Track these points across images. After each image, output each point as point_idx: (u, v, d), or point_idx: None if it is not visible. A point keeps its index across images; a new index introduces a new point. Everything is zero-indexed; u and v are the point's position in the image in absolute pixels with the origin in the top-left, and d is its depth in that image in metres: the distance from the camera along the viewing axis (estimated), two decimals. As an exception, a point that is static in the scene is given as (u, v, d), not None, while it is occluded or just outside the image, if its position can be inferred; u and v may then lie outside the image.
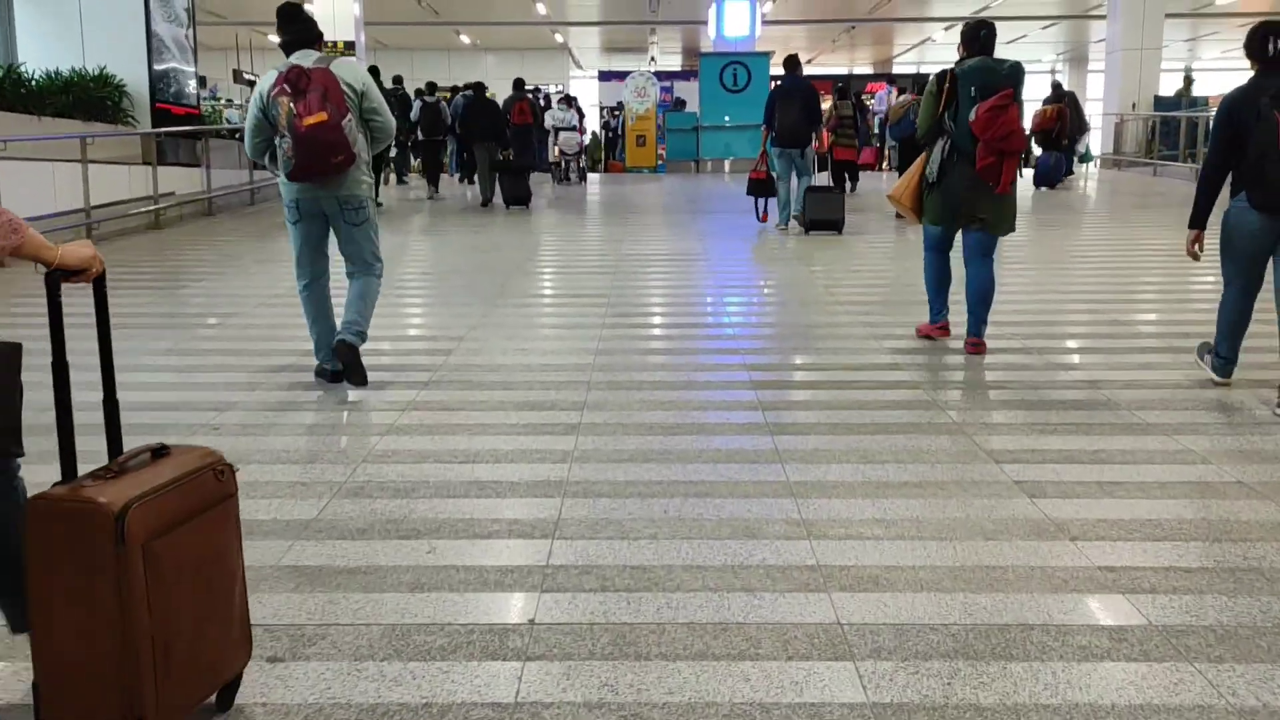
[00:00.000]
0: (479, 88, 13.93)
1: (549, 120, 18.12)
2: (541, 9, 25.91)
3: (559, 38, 32.05)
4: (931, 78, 5.15)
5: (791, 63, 10.43)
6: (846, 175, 14.29)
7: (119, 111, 11.65)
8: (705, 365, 5.09)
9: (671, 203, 14.56)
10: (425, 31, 29.97)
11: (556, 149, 17.86)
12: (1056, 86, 17.33)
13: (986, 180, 4.88)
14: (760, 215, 10.69)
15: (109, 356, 2.17)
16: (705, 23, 21.70)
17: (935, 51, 32.52)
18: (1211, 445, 3.75)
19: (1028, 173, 14.81)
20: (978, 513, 3.14)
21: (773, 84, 15.10)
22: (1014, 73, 4.91)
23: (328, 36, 18.13)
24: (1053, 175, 15.14)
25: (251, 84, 27.99)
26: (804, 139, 10.06)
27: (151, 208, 10.92)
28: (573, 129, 17.72)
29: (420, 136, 15.03)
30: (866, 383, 4.70)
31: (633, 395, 4.50)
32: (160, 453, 2.00)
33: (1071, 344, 5.58)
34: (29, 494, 1.94)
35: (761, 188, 10.58)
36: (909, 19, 28.54)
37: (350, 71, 4.43)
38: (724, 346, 5.51)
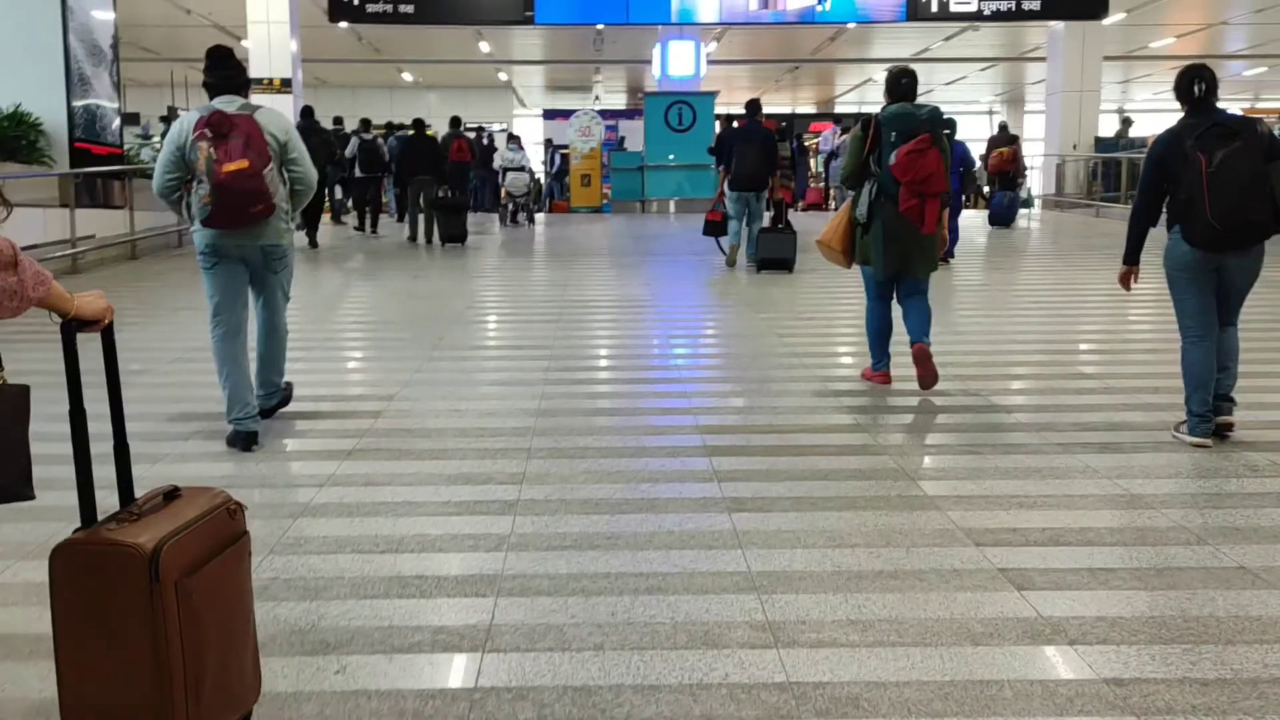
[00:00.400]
0: (418, 124, 13.76)
1: (498, 160, 17.52)
2: (485, 47, 25.65)
3: (503, 76, 31.82)
4: (857, 124, 5.35)
5: (753, 107, 10.52)
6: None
7: (34, 151, 11.05)
8: (655, 427, 4.73)
9: (618, 244, 14.26)
10: (367, 69, 29.55)
11: (504, 190, 17.15)
12: (1004, 127, 17.55)
13: (911, 220, 5.02)
14: (729, 260, 10.67)
15: (119, 403, 2.17)
16: (649, 62, 21.58)
17: (876, 92, 32.72)
18: (1205, 522, 3.46)
19: (969, 214, 14.91)
20: (963, 610, 2.80)
21: (718, 124, 15.09)
22: (932, 117, 5.10)
23: (265, 73, 17.68)
24: (1007, 214, 15.31)
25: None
26: (761, 183, 10.17)
27: (69, 251, 10.34)
28: (522, 169, 17.00)
29: (358, 173, 14.73)
30: (828, 448, 4.37)
31: (576, 465, 4.12)
32: (172, 495, 2.05)
33: (1039, 399, 5.31)
34: (49, 541, 1.96)
35: (717, 228, 10.76)
36: (850, 60, 28.80)
37: (274, 121, 4.38)
38: (674, 405, 5.15)
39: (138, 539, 1.86)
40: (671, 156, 18.86)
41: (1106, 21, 18.59)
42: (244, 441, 4.34)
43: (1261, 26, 23.77)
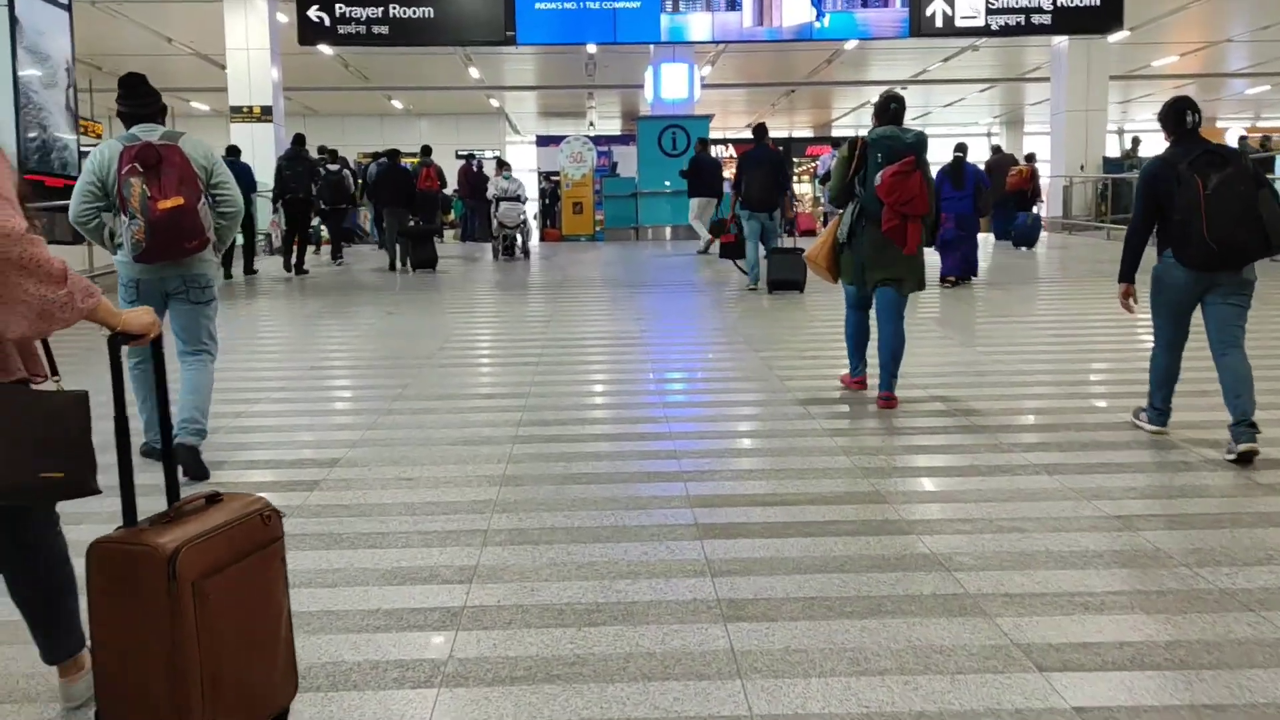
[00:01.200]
0: (392, 154, 13.96)
1: (492, 189, 16.38)
2: (475, 73, 25.15)
3: (495, 102, 31.33)
4: (844, 145, 5.50)
5: (760, 131, 10.89)
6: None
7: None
8: (639, 500, 4.02)
9: (609, 274, 13.61)
10: (356, 97, 29.06)
11: (496, 221, 15.55)
12: (996, 149, 17.10)
13: (893, 240, 5.13)
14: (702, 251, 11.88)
15: (166, 411, 2.39)
16: (642, 86, 21.03)
17: (874, 114, 32.28)
18: (1326, 633, 2.76)
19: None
20: (1038, 783, 2.09)
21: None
22: (917, 141, 5.19)
23: (245, 101, 17.17)
24: (1031, 234, 14.93)
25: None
26: (772, 203, 10.40)
27: (19, 290, 9.66)
28: (517, 199, 15.40)
29: (323, 206, 14.44)
30: (844, 524, 3.66)
31: (541, 554, 3.42)
32: (214, 499, 2.19)
33: (1086, 456, 4.54)
34: (94, 538, 2.08)
35: (733, 250, 11.28)
36: (848, 82, 28.30)
37: (199, 149, 4.29)
38: (663, 469, 4.45)
39: (161, 540, 1.99)
40: (667, 183, 18.24)
41: (1110, 39, 18.07)
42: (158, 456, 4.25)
43: (1264, 44, 23.29)
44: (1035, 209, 16.25)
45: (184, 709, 1.99)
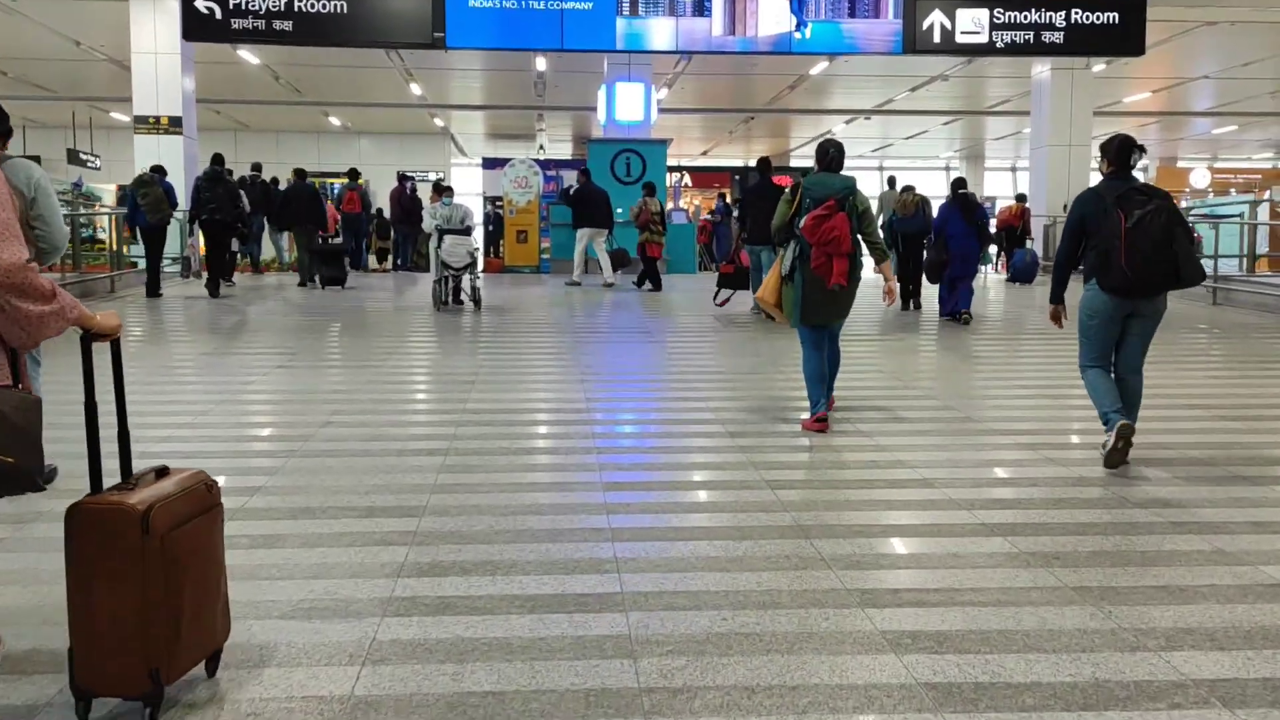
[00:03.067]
0: (299, 173, 13.96)
1: (429, 219, 12.91)
2: (417, 89, 23.49)
3: (439, 122, 29.65)
4: (787, 189, 5.83)
5: (764, 165, 11.09)
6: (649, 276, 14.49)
7: None
8: (567, 692, 2.37)
9: (553, 315, 11.96)
10: (291, 112, 27.28)
11: (440, 259, 12.01)
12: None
13: (820, 276, 5.50)
14: (718, 301, 11.53)
15: (122, 399, 2.68)
16: (594, 109, 19.52)
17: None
18: None
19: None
20: None
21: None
22: (843, 186, 5.61)
23: (151, 111, 15.46)
24: (1030, 271, 14.04)
25: (84, 164, 24.83)
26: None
27: None
28: (464, 231, 12.10)
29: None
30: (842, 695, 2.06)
31: None
32: (162, 472, 2.58)
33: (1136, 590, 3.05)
34: (64, 504, 2.43)
35: (730, 280, 11.53)
36: (808, 110, 27.11)
37: (19, 173, 4.00)
38: (611, 681, 2.78)
39: (134, 500, 2.38)
40: (619, 210, 16.70)
41: (1093, 70, 16.95)
42: None
43: (1235, 83, 22.54)
44: (1028, 245, 15.32)
45: (153, 645, 2.36)
